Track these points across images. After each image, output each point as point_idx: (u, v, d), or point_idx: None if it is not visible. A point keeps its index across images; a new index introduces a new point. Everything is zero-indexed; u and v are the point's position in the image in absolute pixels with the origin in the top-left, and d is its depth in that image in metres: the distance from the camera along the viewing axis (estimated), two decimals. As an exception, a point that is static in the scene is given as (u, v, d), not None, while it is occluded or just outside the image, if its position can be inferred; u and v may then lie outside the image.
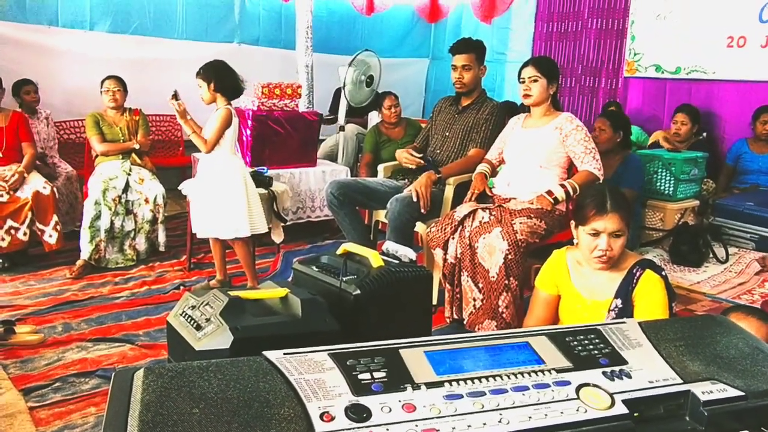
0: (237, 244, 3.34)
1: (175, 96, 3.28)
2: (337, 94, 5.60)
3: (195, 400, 0.82)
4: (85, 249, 3.76)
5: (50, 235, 3.77)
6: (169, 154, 5.87)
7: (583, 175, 2.77)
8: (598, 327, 1.08)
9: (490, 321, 2.57)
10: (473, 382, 0.90)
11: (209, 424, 0.78)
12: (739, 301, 3.21)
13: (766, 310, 2.90)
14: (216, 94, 3.25)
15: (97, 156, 4.10)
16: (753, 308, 2.81)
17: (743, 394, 0.96)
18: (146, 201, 3.95)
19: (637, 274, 1.99)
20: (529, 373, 0.93)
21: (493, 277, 2.53)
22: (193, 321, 1.60)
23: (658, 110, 5.41)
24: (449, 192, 3.23)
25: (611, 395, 0.91)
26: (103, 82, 4.11)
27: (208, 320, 1.56)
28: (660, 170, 4.14)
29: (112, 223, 3.82)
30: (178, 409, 0.80)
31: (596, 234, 1.96)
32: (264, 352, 0.92)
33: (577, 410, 0.88)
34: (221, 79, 3.23)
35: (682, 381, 0.97)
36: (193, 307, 1.65)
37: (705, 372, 1.00)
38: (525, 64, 2.97)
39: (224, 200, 3.25)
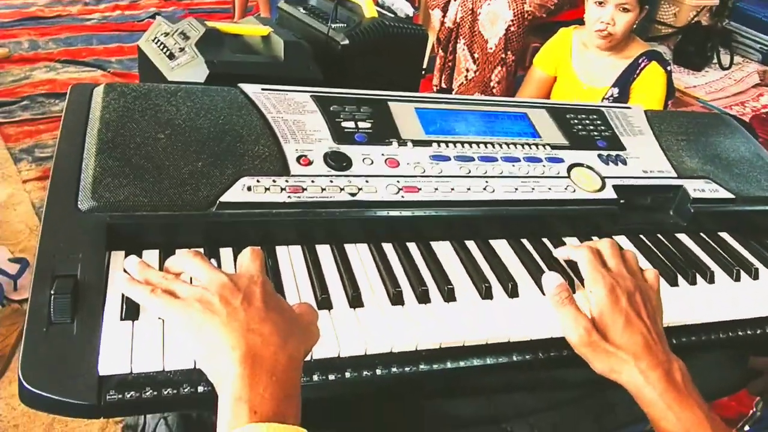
0: None
1: None
2: None
3: (161, 125, 0.75)
4: (50, -41, 3.41)
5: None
6: None
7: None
8: (602, 108, 1.00)
9: (479, 95, 2.48)
10: (463, 146, 0.84)
11: (176, 152, 0.72)
12: (731, 111, 3.16)
13: (754, 125, 2.87)
14: None
15: None
16: (737, 119, 2.77)
17: (733, 196, 0.93)
18: None
19: (642, 64, 1.88)
20: (522, 145, 0.87)
21: (491, 48, 2.38)
22: (166, 49, 1.47)
23: None
24: (458, -52, 2.90)
25: (603, 178, 0.87)
26: None
27: (182, 50, 1.43)
28: (688, -42, 3.77)
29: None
30: (141, 131, 0.73)
31: (602, 3, 1.80)
32: (240, 85, 0.83)
33: (566, 188, 0.84)
34: None
35: (676, 175, 0.93)
36: (166, 34, 1.50)
37: (701, 170, 0.95)
38: None
39: None
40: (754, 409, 1.31)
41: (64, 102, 0.81)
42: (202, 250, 0.69)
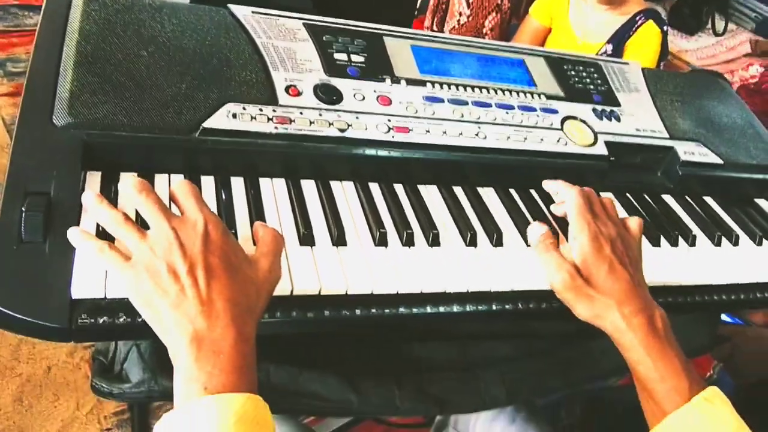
0: None
1: None
2: None
3: (144, 41, 0.71)
4: None
5: None
6: None
7: None
8: (600, 62, 0.98)
9: (470, 42, 2.42)
10: (457, 89, 0.81)
11: (159, 71, 0.68)
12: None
13: (741, 96, 2.87)
14: None
15: None
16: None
17: (722, 162, 0.93)
18: None
19: (639, 22, 1.85)
20: (518, 93, 0.85)
21: (487, -6, 2.32)
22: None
23: None
24: None
25: (595, 133, 0.86)
26: None
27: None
28: None
29: None
30: (123, 47, 0.69)
31: None
32: (229, 5, 0.78)
33: (558, 141, 0.82)
34: None
35: (668, 136, 0.92)
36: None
37: (692, 132, 0.95)
38: None
39: None
40: (711, 372, 1.35)
41: (39, 15, 0.76)
42: (182, 176, 0.66)
